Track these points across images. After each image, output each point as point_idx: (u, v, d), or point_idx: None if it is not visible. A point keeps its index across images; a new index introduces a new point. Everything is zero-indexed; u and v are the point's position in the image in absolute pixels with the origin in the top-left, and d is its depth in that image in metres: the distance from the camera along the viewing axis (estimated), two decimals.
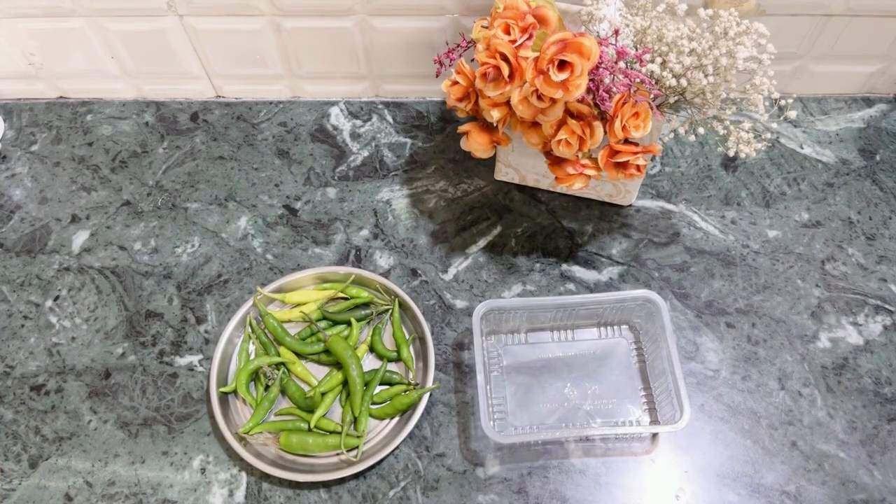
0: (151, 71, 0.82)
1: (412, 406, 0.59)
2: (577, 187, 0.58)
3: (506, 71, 0.52)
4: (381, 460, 0.57)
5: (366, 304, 0.66)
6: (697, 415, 0.60)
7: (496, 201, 0.74)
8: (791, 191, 0.74)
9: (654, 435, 0.59)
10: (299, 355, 0.63)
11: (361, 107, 0.83)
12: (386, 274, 0.69)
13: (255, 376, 0.62)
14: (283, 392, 0.61)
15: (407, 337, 0.64)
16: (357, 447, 0.57)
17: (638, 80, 0.53)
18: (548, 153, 0.59)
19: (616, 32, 0.53)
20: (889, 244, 0.70)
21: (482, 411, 0.55)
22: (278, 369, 0.61)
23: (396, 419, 0.60)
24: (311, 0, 0.72)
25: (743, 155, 0.56)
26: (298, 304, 0.66)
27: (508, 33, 0.53)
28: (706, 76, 0.53)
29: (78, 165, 0.79)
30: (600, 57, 0.51)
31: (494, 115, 0.56)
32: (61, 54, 0.80)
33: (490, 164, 0.74)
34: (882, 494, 0.56)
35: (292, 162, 0.78)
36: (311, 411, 0.59)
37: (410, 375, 0.62)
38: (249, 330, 0.64)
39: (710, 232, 0.71)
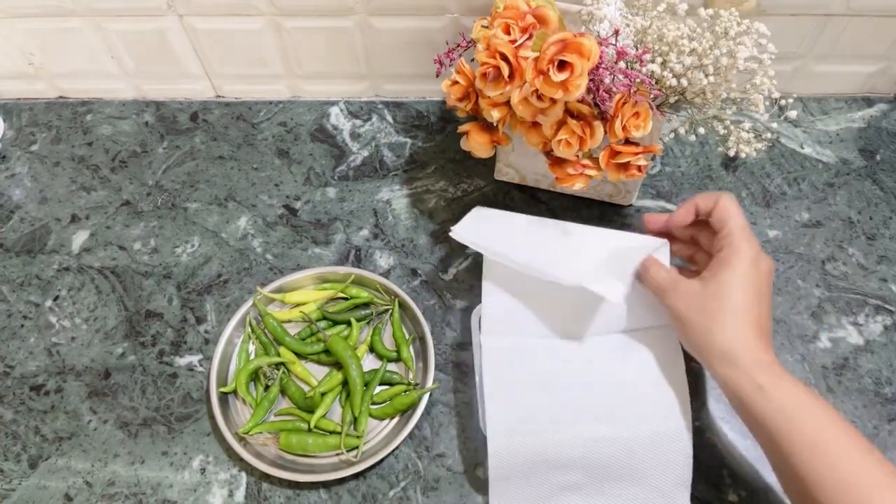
0: (151, 71, 0.82)
1: (412, 406, 0.59)
2: (577, 187, 0.58)
3: (506, 71, 0.52)
4: (381, 460, 0.57)
5: (366, 304, 0.66)
6: (697, 416, 0.60)
7: (496, 201, 0.74)
8: (791, 191, 0.74)
9: None
10: (299, 355, 0.63)
11: (361, 106, 0.83)
12: (386, 274, 0.69)
13: (254, 376, 0.62)
14: (283, 392, 0.61)
15: (407, 337, 0.64)
16: (357, 447, 0.57)
17: (638, 80, 0.53)
18: (548, 153, 0.59)
19: (616, 32, 0.53)
20: (889, 244, 0.70)
21: (480, 411, 0.56)
22: (278, 369, 0.61)
23: (396, 419, 0.60)
24: (311, 0, 0.72)
25: (743, 155, 0.56)
26: (298, 305, 0.66)
27: (508, 33, 0.53)
28: (706, 76, 0.53)
29: (77, 165, 0.79)
30: (600, 57, 0.51)
31: (494, 114, 0.56)
32: (61, 54, 0.80)
33: (490, 163, 0.74)
34: None
35: (292, 162, 0.78)
36: (310, 411, 0.59)
37: (410, 375, 0.62)
38: (249, 330, 0.64)
39: None
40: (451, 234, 0.61)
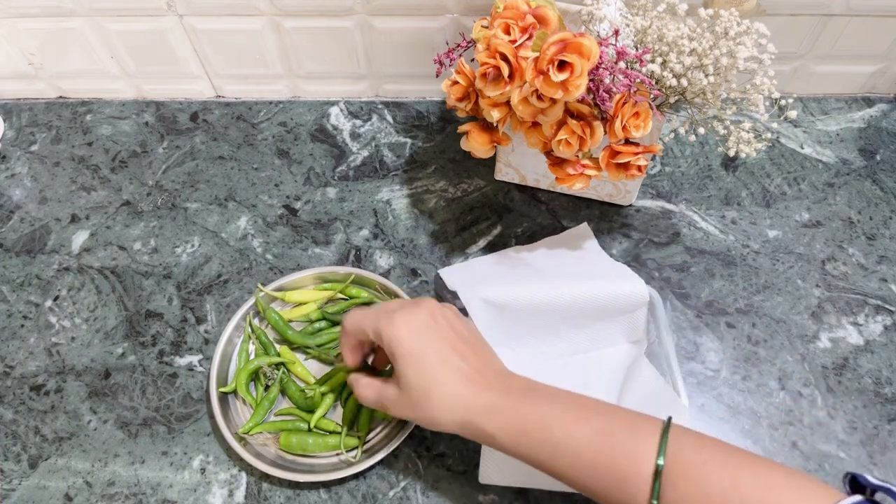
0: (151, 71, 0.82)
1: None
2: (577, 187, 0.58)
3: (506, 71, 0.52)
4: (381, 460, 0.57)
5: (366, 305, 0.66)
6: (697, 415, 0.60)
7: (496, 201, 0.74)
8: (791, 191, 0.74)
9: None
10: (302, 349, 0.63)
11: (361, 107, 0.83)
12: (386, 274, 0.69)
13: (254, 376, 0.62)
14: (283, 392, 0.61)
15: None
16: (357, 447, 0.57)
17: (638, 80, 0.53)
18: (548, 153, 0.59)
19: (616, 32, 0.53)
20: (889, 244, 0.70)
21: None
22: (278, 369, 0.61)
23: (396, 419, 0.60)
24: (311, 0, 0.72)
25: (743, 155, 0.56)
26: (300, 304, 0.66)
27: (508, 33, 0.53)
28: (706, 76, 0.53)
29: (77, 165, 0.79)
30: (600, 57, 0.51)
31: (494, 115, 0.56)
32: (61, 54, 0.80)
33: (490, 163, 0.74)
34: None
35: (292, 162, 0.78)
36: (311, 411, 0.59)
37: None
38: (249, 330, 0.64)
39: (710, 232, 0.71)
40: (440, 272, 0.65)
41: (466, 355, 0.49)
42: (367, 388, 0.52)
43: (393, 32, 0.75)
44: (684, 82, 0.54)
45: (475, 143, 0.60)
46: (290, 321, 0.65)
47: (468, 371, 0.48)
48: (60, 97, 0.86)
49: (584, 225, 0.70)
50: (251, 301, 0.64)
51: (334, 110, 0.83)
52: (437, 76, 0.59)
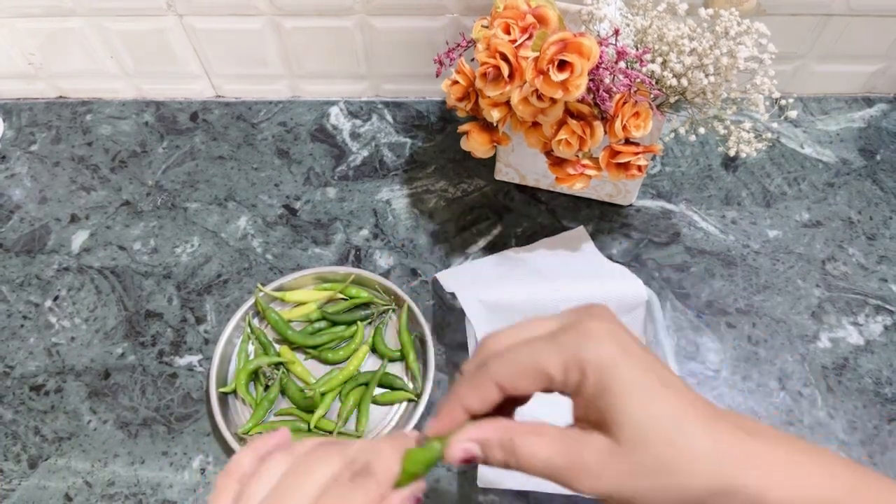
0: (151, 71, 0.81)
1: (410, 401, 0.59)
2: (577, 187, 0.58)
3: (506, 71, 0.52)
4: None
5: (366, 304, 0.66)
6: None
7: (496, 201, 0.74)
8: (791, 190, 0.74)
9: None
10: (302, 348, 0.63)
11: (361, 106, 0.83)
12: (386, 274, 0.69)
13: (254, 376, 0.62)
14: (283, 392, 0.61)
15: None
16: None
17: (638, 79, 0.53)
18: (548, 153, 0.59)
19: (616, 32, 0.53)
20: (889, 244, 0.70)
21: None
22: (278, 369, 0.61)
23: (396, 421, 0.60)
24: (311, 0, 0.72)
25: (743, 155, 0.56)
26: (299, 304, 0.66)
27: (508, 33, 0.53)
28: (707, 76, 0.53)
29: (77, 165, 0.79)
30: (600, 57, 0.51)
31: (494, 114, 0.56)
32: (61, 54, 0.80)
33: (490, 163, 0.74)
34: None
35: (292, 162, 0.78)
36: (310, 411, 0.59)
37: (412, 383, 0.62)
38: (249, 330, 0.64)
39: (710, 232, 0.71)
40: (437, 275, 0.65)
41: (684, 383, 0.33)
42: (549, 444, 0.31)
43: (393, 32, 0.75)
44: (684, 82, 0.54)
45: (475, 143, 0.60)
46: (290, 321, 0.65)
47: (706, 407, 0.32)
48: (60, 97, 0.86)
49: (581, 228, 0.70)
50: (251, 301, 0.64)
51: (334, 110, 0.83)
52: (437, 76, 0.59)
